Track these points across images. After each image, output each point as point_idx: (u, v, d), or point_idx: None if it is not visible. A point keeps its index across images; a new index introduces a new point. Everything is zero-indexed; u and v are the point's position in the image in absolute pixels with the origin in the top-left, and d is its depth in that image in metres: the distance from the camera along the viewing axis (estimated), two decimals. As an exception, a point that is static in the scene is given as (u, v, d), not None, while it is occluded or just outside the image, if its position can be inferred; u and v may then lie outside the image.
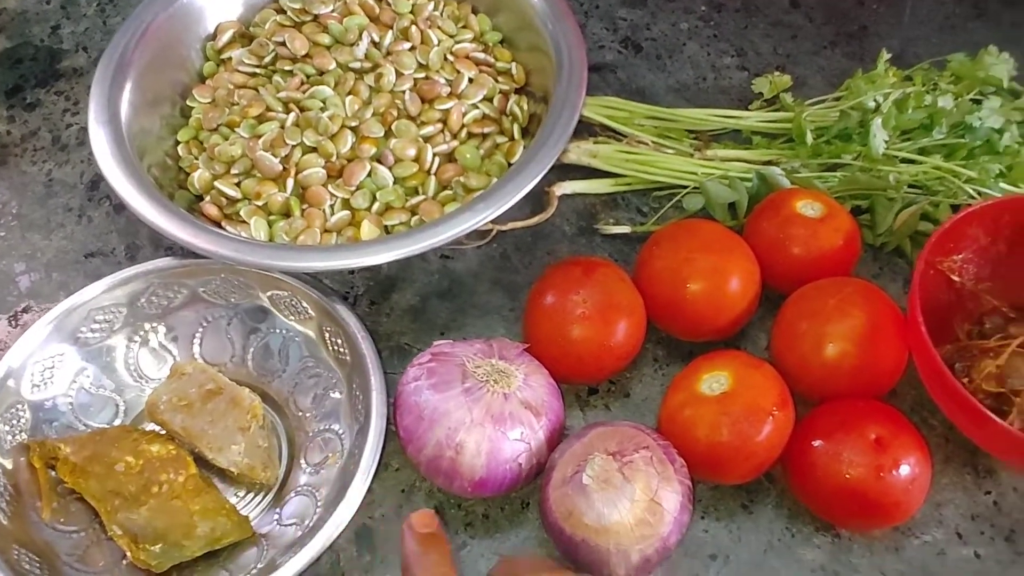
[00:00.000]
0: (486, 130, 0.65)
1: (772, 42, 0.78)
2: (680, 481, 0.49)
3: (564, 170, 0.69)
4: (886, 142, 0.64)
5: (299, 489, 0.55)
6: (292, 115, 0.63)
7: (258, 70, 0.67)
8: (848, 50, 0.77)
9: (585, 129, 0.71)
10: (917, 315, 0.52)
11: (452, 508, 0.55)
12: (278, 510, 0.55)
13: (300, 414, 0.58)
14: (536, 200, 0.67)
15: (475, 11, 0.72)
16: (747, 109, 0.73)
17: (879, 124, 0.63)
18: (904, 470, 0.50)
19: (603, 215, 0.68)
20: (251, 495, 0.56)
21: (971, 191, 0.63)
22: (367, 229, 0.61)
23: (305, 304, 0.58)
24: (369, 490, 0.55)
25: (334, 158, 0.62)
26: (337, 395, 0.57)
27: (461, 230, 0.55)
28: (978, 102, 0.67)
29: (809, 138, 0.65)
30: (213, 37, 0.70)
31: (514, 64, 0.69)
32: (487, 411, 0.50)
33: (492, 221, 0.62)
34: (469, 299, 0.64)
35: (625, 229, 0.66)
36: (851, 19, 0.79)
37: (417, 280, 0.65)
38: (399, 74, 0.65)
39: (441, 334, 0.62)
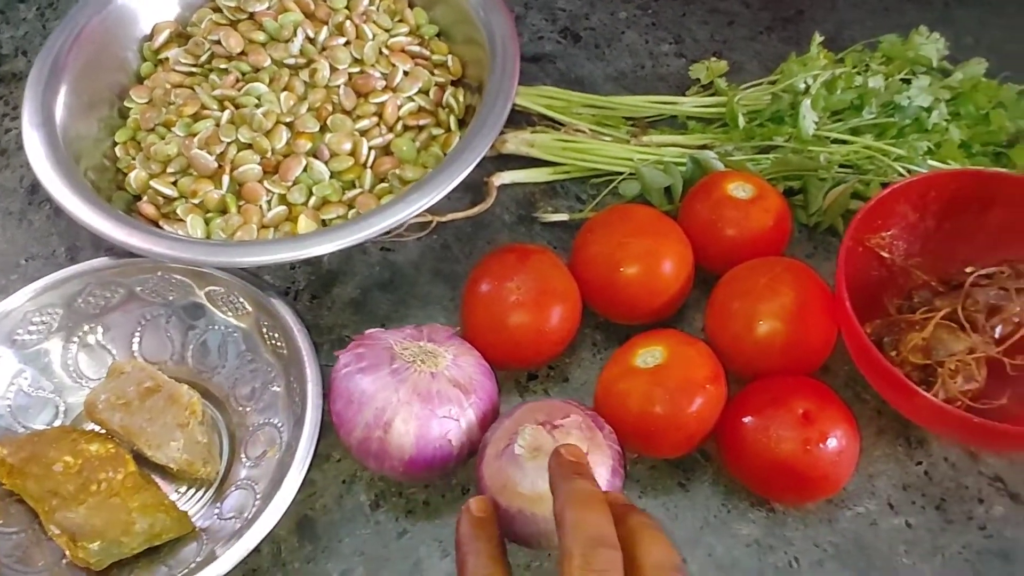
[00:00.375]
0: (422, 122, 0.66)
1: (709, 29, 0.79)
2: (609, 446, 0.49)
3: (503, 160, 0.69)
4: (816, 123, 0.65)
5: (239, 483, 0.55)
6: (227, 113, 0.64)
7: (194, 69, 0.68)
8: (784, 35, 0.78)
9: (524, 119, 0.72)
10: (843, 292, 0.53)
11: (393, 496, 0.56)
12: (219, 504, 0.55)
13: (241, 408, 0.58)
14: (476, 190, 0.68)
15: (412, 5, 0.72)
16: (684, 95, 0.74)
17: (808, 105, 0.64)
18: (831, 443, 0.51)
19: (542, 203, 0.68)
20: (192, 490, 0.56)
21: (900, 169, 0.64)
22: (304, 223, 0.61)
23: (242, 299, 0.58)
24: (311, 481, 0.56)
25: (269, 154, 0.62)
26: (276, 388, 0.57)
27: (393, 222, 0.56)
28: (908, 82, 0.68)
29: (741, 121, 0.66)
30: (150, 38, 0.70)
31: (450, 56, 0.69)
32: (414, 390, 0.50)
33: (432, 212, 0.63)
34: (410, 290, 0.64)
35: (563, 216, 0.67)
36: (787, 4, 0.80)
37: (358, 273, 0.65)
38: (333, 69, 0.66)
39: (382, 325, 0.62)
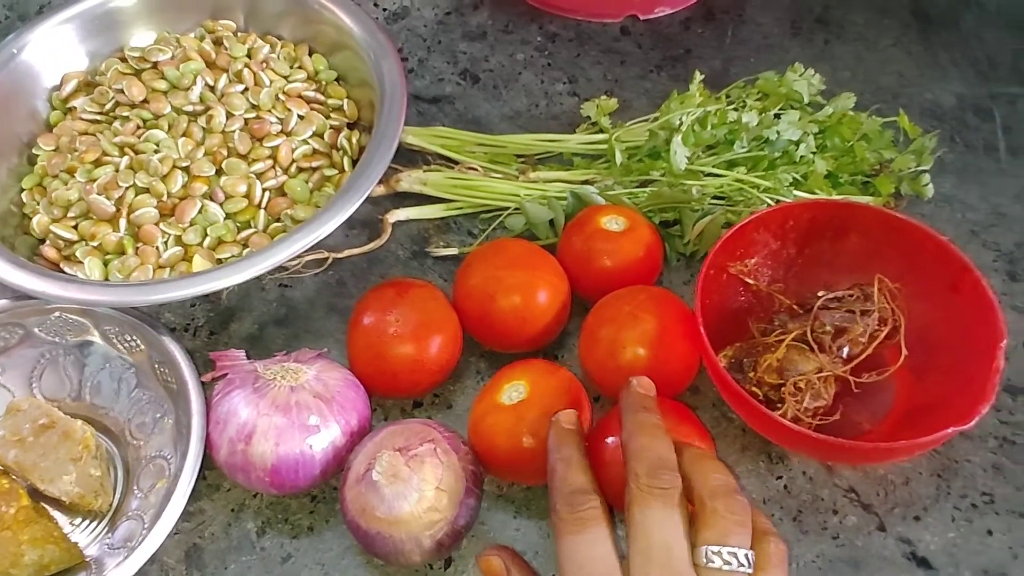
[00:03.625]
0: (315, 164, 0.69)
1: (602, 68, 0.83)
2: (464, 468, 0.52)
3: (400, 198, 0.72)
4: (688, 158, 0.68)
5: (130, 514, 0.57)
6: (126, 159, 0.67)
7: (99, 117, 0.71)
8: (673, 72, 0.82)
9: (420, 158, 0.75)
10: (699, 318, 0.56)
11: (279, 523, 0.58)
12: (111, 535, 0.57)
13: (135, 442, 0.61)
14: (373, 227, 0.71)
15: (313, 52, 0.76)
16: (575, 132, 0.77)
17: (679, 142, 0.68)
18: (682, 460, 0.54)
19: (435, 238, 0.71)
20: (87, 522, 0.59)
21: (768, 199, 0.67)
22: (199, 263, 0.64)
23: (135, 337, 0.61)
24: (201, 510, 0.59)
25: (165, 197, 0.65)
26: (168, 421, 0.60)
27: (275, 261, 0.59)
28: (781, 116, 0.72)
29: (619, 158, 0.70)
30: (60, 87, 0.73)
31: (347, 100, 0.73)
32: (272, 402, 0.54)
33: (328, 249, 0.67)
34: (305, 325, 0.67)
35: (453, 251, 0.70)
36: (676, 43, 0.85)
37: (256, 309, 0.68)
38: (230, 115, 0.69)
39: (286, 352, 0.65)
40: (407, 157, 0.75)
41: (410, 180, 0.72)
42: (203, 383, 0.58)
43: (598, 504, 0.45)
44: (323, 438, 0.54)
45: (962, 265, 0.58)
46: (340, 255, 0.69)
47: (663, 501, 0.43)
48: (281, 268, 0.64)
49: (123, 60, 0.73)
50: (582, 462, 0.48)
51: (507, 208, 0.71)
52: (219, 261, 0.65)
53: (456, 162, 0.74)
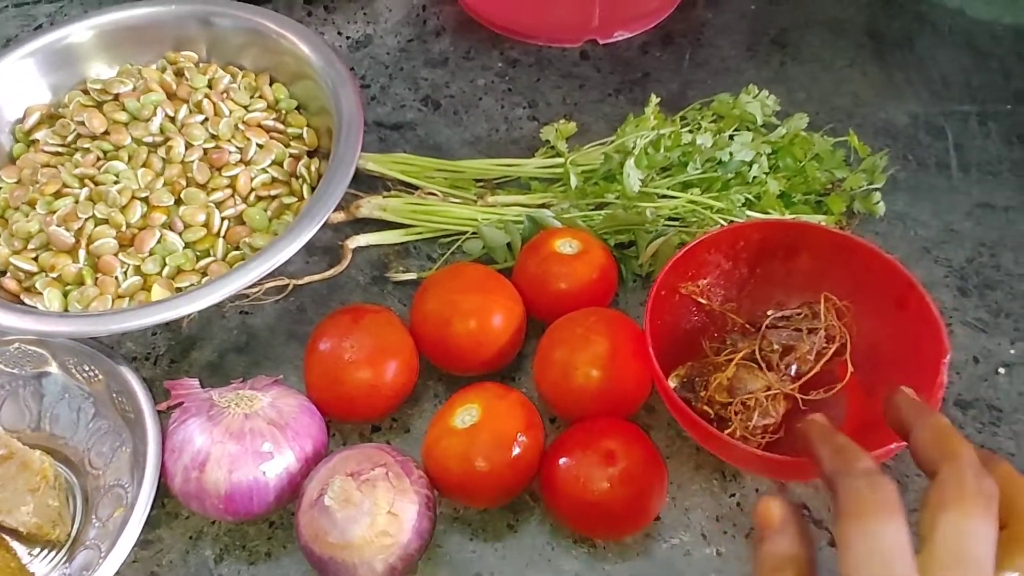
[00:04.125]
0: (274, 192, 0.70)
1: (562, 93, 0.84)
2: (417, 491, 0.53)
3: (360, 224, 0.73)
4: (642, 180, 0.70)
5: (88, 543, 0.58)
6: (85, 190, 0.67)
7: (61, 149, 0.71)
8: (631, 96, 0.84)
9: (381, 184, 0.76)
10: (647, 339, 0.57)
11: (236, 549, 0.59)
12: (68, 564, 0.57)
13: (94, 471, 0.61)
14: (334, 253, 0.72)
15: (274, 81, 0.77)
16: (534, 156, 0.78)
17: (631, 164, 0.69)
18: (631, 480, 0.54)
19: (395, 264, 0.72)
20: (45, 552, 0.59)
21: (721, 220, 0.68)
22: (157, 292, 0.65)
23: (93, 367, 0.61)
24: (159, 538, 0.59)
25: (124, 228, 0.66)
26: (126, 450, 0.60)
27: (231, 289, 0.60)
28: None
29: (574, 181, 0.71)
30: (23, 120, 0.74)
31: (306, 129, 0.74)
32: (226, 430, 0.55)
33: (288, 276, 0.67)
34: (265, 352, 0.68)
35: (412, 276, 0.71)
36: (635, 67, 0.86)
37: (216, 337, 0.68)
38: (189, 145, 0.70)
39: (243, 380, 0.66)
40: (368, 183, 0.76)
41: (370, 206, 0.73)
42: (160, 412, 0.59)
43: (896, 489, 0.38)
44: (277, 464, 0.55)
45: (908, 282, 0.59)
46: (300, 282, 0.69)
47: (986, 509, 0.37)
48: (242, 295, 0.65)
49: (86, 92, 0.74)
50: (859, 449, 0.42)
51: (465, 232, 0.72)
52: (178, 290, 0.65)
53: (416, 188, 0.75)
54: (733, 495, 0.60)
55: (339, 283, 0.71)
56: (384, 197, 0.73)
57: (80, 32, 0.75)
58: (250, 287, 0.62)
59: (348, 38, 0.89)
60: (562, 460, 0.57)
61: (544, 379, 0.61)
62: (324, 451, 0.59)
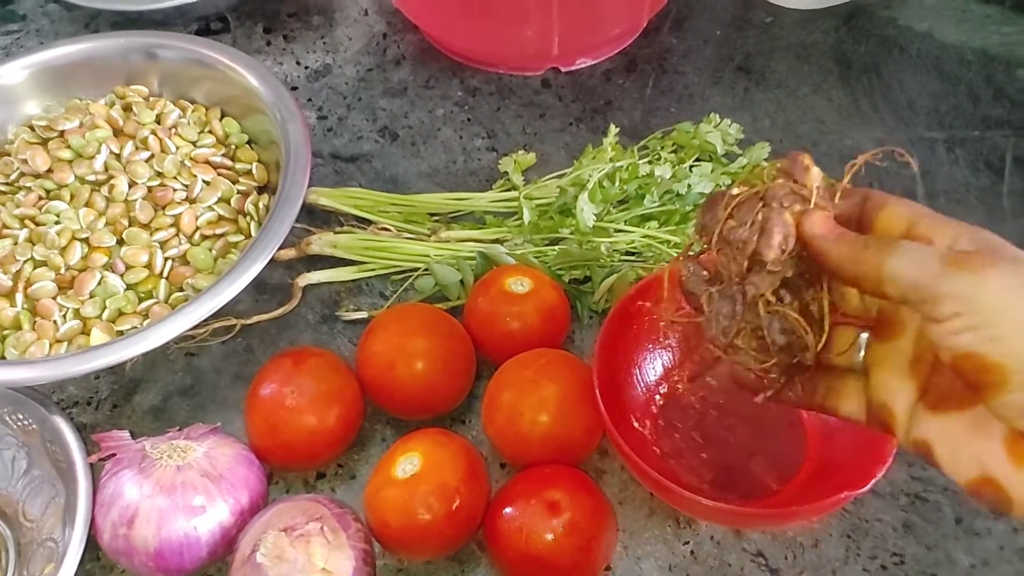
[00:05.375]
0: (220, 231, 0.68)
1: (522, 122, 0.82)
2: (353, 546, 0.51)
3: (312, 261, 0.72)
4: (597, 214, 0.68)
5: (18, 600, 0.56)
6: (25, 231, 0.66)
7: (4, 188, 0.70)
8: (592, 125, 0.82)
9: (334, 219, 0.74)
10: (595, 385, 0.55)
11: (173, 605, 0.57)
12: (-2, 623, 0.56)
13: (28, 524, 0.59)
14: (284, 291, 0.70)
15: (225, 115, 0.75)
16: (492, 188, 0.77)
17: (585, 199, 0.67)
18: (577, 532, 0.53)
19: (347, 301, 0.70)
20: (-24, 610, 0.57)
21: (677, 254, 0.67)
22: (97, 336, 0.63)
23: (27, 416, 0.60)
24: (93, 594, 0.57)
25: (63, 270, 0.64)
26: (59, 502, 0.58)
27: (168, 334, 0.58)
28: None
29: (527, 216, 0.69)
30: (-32, 157, 0.73)
31: (256, 164, 0.72)
32: (157, 483, 0.53)
33: (236, 315, 0.66)
34: (211, 395, 0.66)
35: (363, 314, 0.69)
36: (597, 95, 0.84)
37: (160, 379, 0.67)
38: (132, 183, 0.68)
39: (179, 429, 0.64)
40: (322, 218, 0.74)
41: (320, 243, 0.71)
42: (93, 463, 0.57)
43: None
44: (209, 519, 0.53)
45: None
46: (248, 321, 0.68)
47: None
48: (187, 336, 0.63)
49: (32, 129, 0.73)
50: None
51: (418, 269, 0.70)
52: (119, 333, 0.64)
53: (370, 222, 0.73)
54: (687, 543, 0.58)
55: (289, 322, 0.69)
56: (336, 233, 0.72)
57: (24, 68, 0.74)
58: (196, 327, 0.60)
59: (307, 68, 0.88)
60: (506, 510, 0.55)
61: (491, 424, 0.59)
62: (262, 502, 0.57)
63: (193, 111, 0.75)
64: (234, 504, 0.54)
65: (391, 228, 0.72)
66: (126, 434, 0.56)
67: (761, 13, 0.90)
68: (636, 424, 0.61)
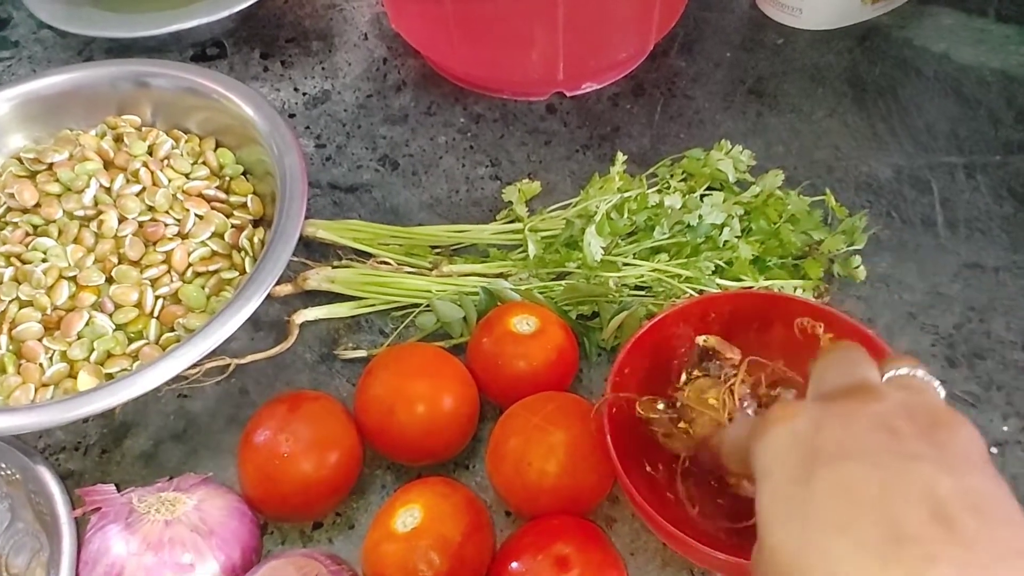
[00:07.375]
0: (213, 267, 0.65)
1: (527, 150, 0.80)
2: None
3: (310, 296, 0.69)
4: (604, 248, 0.65)
5: (-1, 662, 0.53)
6: (11, 269, 0.63)
7: (-10, 223, 0.67)
8: (599, 152, 0.79)
9: (333, 252, 0.72)
10: (606, 435, 0.52)
11: (161, 666, 0.54)
12: None
13: (12, 578, 0.56)
14: (280, 329, 0.68)
15: (220, 146, 0.73)
16: (496, 218, 0.74)
17: (592, 232, 0.64)
18: (588, 589, 0.50)
19: (345, 339, 0.68)
20: (-46, 671, 0.54)
21: (689, 290, 0.64)
22: (84, 380, 0.60)
23: (10, 465, 0.57)
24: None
25: (49, 310, 0.62)
26: (43, 557, 0.55)
27: (160, 377, 0.55)
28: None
29: (532, 249, 0.66)
30: (-45, 191, 0.70)
31: (251, 197, 0.70)
32: (144, 539, 0.50)
33: (230, 355, 0.63)
34: (204, 439, 0.63)
35: (362, 353, 0.66)
36: (604, 120, 0.82)
37: (152, 424, 0.64)
38: (122, 218, 0.66)
39: (170, 478, 0.61)
40: (319, 251, 0.72)
41: (318, 278, 0.68)
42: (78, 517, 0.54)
43: None
44: (200, 574, 0.50)
45: (884, 355, 0.54)
46: (242, 361, 0.65)
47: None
48: (180, 377, 0.61)
49: (20, 161, 0.70)
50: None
51: (419, 305, 0.67)
52: (108, 376, 0.61)
53: (369, 255, 0.71)
54: (701, 594, 0.55)
55: (285, 361, 0.67)
56: (333, 268, 0.69)
57: (11, 99, 0.72)
58: (188, 368, 0.58)
59: (305, 94, 0.85)
60: (513, 565, 0.52)
61: (497, 472, 0.56)
62: (255, 557, 0.54)
63: (187, 141, 0.72)
64: (225, 561, 0.52)
65: (391, 262, 0.70)
66: (111, 488, 0.54)
67: (772, 34, 0.88)
68: (649, 468, 0.58)
